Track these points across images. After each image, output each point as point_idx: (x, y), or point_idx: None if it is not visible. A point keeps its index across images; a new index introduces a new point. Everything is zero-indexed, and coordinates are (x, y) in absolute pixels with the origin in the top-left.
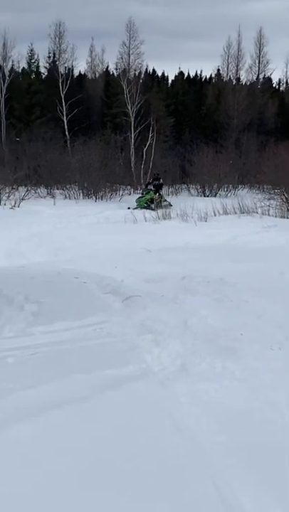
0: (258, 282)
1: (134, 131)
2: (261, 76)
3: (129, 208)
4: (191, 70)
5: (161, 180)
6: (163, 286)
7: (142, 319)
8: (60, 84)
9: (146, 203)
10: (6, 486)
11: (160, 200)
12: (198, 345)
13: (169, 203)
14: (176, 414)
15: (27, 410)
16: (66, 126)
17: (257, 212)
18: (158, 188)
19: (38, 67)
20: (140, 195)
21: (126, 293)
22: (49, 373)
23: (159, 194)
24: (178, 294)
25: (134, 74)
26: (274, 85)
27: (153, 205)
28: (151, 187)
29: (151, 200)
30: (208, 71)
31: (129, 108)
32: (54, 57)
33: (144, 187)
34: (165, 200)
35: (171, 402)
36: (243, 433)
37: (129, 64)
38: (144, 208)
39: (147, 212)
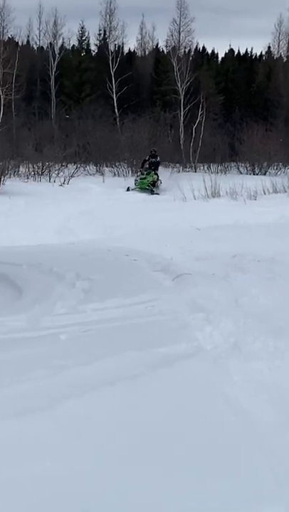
0: None
1: (184, 108)
2: None
3: (128, 189)
4: (241, 47)
5: (158, 157)
6: (213, 265)
7: (192, 297)
8: (110, 62)
9: (148, 185)
10: (60, 462)
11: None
12: (250, 323)
13: (160, 181)
14: (230, 393)
15: (80, 387)
16: (116, 104)
17: None
18: (156, 167)
19: (88, 44)
20: (140, 174)
21: (176, 271)
22: (101, 350)
23: (156, 174)
24: (229, 272)
25: (184, 51)
26: None
27: (155, 189)
28: (147, 165)
29: (153, 183)
30: (258, 48)
31: (179, 86)
32: (104, 34)
33: (140, 165)
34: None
35: (224, 381)
36: None
37: (179, 41)
38: (146, 189)
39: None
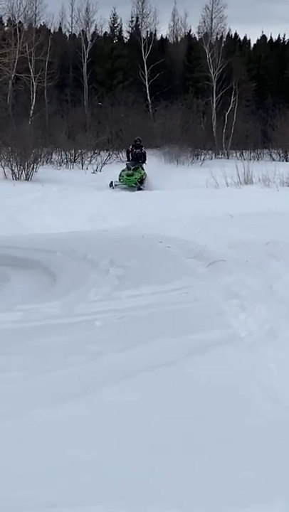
0: None
1: (216, 95)
2: None
3: (111, 185)
4: (273, 33)
5: (143, 148)
6: (247, 251)
7: (226, 284)
8: (142, 49)
9: (135, 183)
10: (101, 447)
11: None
12: (285, 310)
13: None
14: (265, 380)
15: (117, 373)
16: (148, 91)
17: None
18: (143, 160)
19: (120, 31)
20: (125, 167)
21: (210, 258)
22: (136, 337)
23: (143, 169)
24: (262, 259)
25: (216, 38)
26: None
27: (142, 186)
28: (131, 157)
29: (141, 180)
30: None
31: (211, 72)
32: (136, 21)
33: (125, 156)
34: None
35: (259, 368)
36: None
37: (211, 28)
38: (132, 187)
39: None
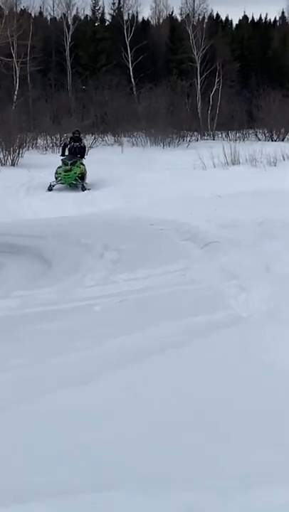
0: None
1: (200, 76)
2: None
3: (50, 189)
4: (255, 13)
5: (82, 141)
6: (240, 232)
7: (223, 265)
8: (125, 31)
9: (75, 179)
10: (119, 429)
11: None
12: (284, 290)
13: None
14: (273, 359)
15: (126, 356)
16: (132, 73)
17: None
18: (82, 154)
19: (102, 14)
20: (61, 164)
21: (204, 239)
22: (139, 320)
23: (82, 164)
24: (257, 239)
25: (198, 19)
26: None
27: (85, 183)
28: (67, 151)
29: (82, 176)
30: (272, 14)
31: (195, 53)
32: (118, 3)
33: (61, 152)
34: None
35: (265, 346)
36: None
37: (193, 9)
38: (73, 184)
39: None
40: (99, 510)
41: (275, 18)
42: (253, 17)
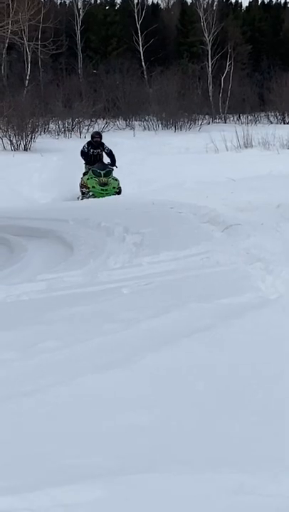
0: None
1: (211, 59)
2: None
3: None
4: None
5: (106, 146)
6: (259, 215)
7: (246, 247)
8: (136, 15)
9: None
10: (150, 414)
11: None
12: None
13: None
14: None
15: (157, 339)
16: (142, 57)
17: None
18: (112, 161)
19: None
20: (89, 173)
21: (224, 222)
22: (167, 303)
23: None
24: (276, 222)
25: (209, 1)
26: None
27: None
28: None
29: (120, 191)
30: None
31: (206, 36)
32: None
33: (85, 161)
34: None
35: None
36: None
37: None
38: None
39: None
40: (144, 491)
41: (286, 0)
42: None
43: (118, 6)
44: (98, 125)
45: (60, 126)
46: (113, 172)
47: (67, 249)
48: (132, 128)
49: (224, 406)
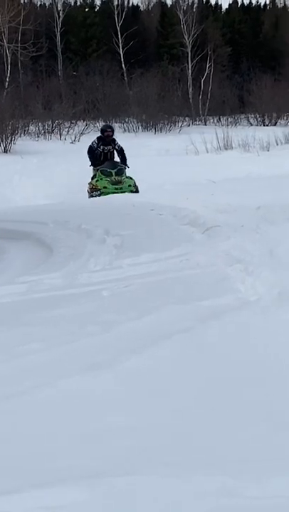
0: None
1: (191, 61)
2: None
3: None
4: None
5: (117, 142)
6: (239, 217)
7: (226, 249)
8: (116, 17)
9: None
10: (133, 416)
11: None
12: None
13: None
14: (286, 343)
15: (138, 341)
16: (122, 59)
17: None
18: (123, 159)
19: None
20: (98, 174)
21: (204, 224)
22: (147, 305)
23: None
24: (256, 224)
25: (188, 3)
26: None
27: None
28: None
29: (137, 190)
30: None
31: (186, 38)
32: None
33: (91, 161)
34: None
35: (277, 330)
36: None
37: None
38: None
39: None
40: (130, 493)
41: (266, 2)
42: (243, 1)
43: (98, 7)
44: (78, 127)
45: (40, 128)
46: (126, 172)
47: (47, 252)
48: None
49: (206, 408)
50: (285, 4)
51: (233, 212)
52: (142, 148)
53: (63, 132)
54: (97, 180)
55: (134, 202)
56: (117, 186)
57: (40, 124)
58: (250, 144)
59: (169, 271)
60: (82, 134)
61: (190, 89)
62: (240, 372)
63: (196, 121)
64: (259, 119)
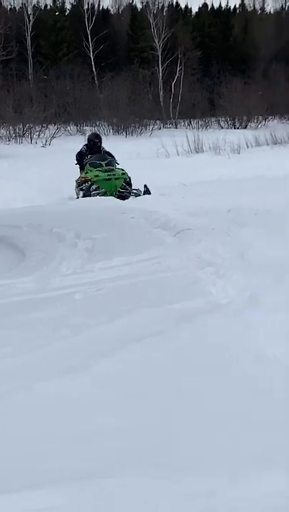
0: None
1: (162, 65)
2: (287, 5)
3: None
4: (214, 1)
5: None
6: (209, 219)
7: (197, 252)
8: (86, 21)
9: (123, 186)
10: (103, 420)
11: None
12: (261, 276)
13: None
14: (256, 345)
15: (110, 345)
16: (93, 63)
17: None
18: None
19: (63, 3)
20: (90, 167)
21: (175, 227)
22: (119, 308)
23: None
24: (227, 226)
25: (158, 7)
26: None
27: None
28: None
29: (130, 182)
30: (232, 2)
31: (156, 42)
32: None
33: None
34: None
35: (248, 332)
36: None
37: None
38: (118, 194)
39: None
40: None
41: (235, 6)
42: (212, 5)
43: (68, 11)
44: (49, 131)
45: (11, 131)
46: (115, 162)
47: (19, 255)
48: (83, 133)
49: (177, 410)
50: (254, 8)
51: (204, 215)
52: (113, 152)
53: (34, 136)
54: (86, 173)
55: (106, 205)
56: (109, 173)
57: (11, 127)
58: (221, 146)
59: (140, 274)
60: (53, 137)
61: (161, 93)
62: (212, 374)
63: (166, 124)
64: (230, 122)
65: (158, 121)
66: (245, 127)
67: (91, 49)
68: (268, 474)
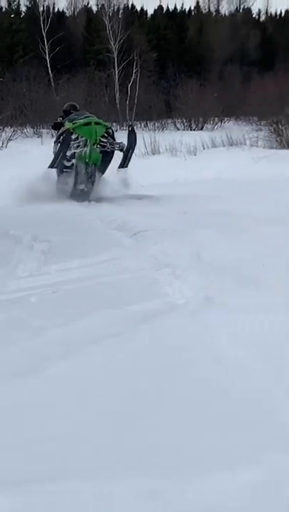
0: (263, 214)
1: (118, 67)
2: (242, 7)
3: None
4: (170, 3)
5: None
6: (166, 221)
7: (154, 254)
8: (41, 23)
9: (104, 135)
10: (58, 425)
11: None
12: (216, 277)
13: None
14: (214, 345)
15: (67, 347)
16: (49, 65)
17: (246, 144)
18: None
19: (18, 5)
20: (66, 123)
21: (132, 228)
22: (76, 310)
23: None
24: (183, 228)
25: (114, 9)
26: (254, 16)
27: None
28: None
29: (112, 134)
30: (187, 4)
31: (112, 44)
32: None
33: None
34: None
35: (204, 334)
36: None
37: (109, 0)
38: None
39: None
40: (63, 499)
41: (190, 8)
42: (168, 7)
43: (24, 13)
44: (6, 133)
45: None
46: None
47: None
48: (40, 136)
49: (136, 411)
50: (209, 10)
51: (160, 217)
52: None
53: None
54: (69, 121)
55: (61, 208)
56: (90, 119)
57: None
58: (178, 148)
59: (97, 276)
60: (9, 140)
61: (117, 95)
62: (169, 375)
63: (123, 126)
64: (186, 124)
65: (114, 124)
66: (202, 129)
67: (47, 51)
68: (214, 475)
